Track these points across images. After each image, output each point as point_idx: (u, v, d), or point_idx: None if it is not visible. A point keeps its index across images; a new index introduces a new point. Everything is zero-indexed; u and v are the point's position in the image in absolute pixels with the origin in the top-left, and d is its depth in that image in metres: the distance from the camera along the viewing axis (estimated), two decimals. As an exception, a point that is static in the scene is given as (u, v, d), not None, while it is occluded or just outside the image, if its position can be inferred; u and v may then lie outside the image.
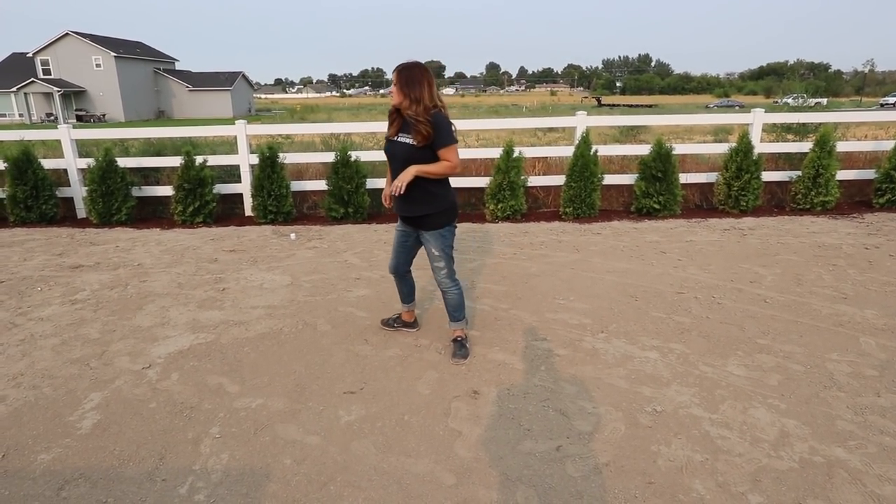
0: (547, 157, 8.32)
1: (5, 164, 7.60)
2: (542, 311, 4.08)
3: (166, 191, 7.92)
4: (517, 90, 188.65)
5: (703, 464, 2.43)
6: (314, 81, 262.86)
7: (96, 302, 4.38)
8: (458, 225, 3.55)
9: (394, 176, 3.12)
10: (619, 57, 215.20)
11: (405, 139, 3.02)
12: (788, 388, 3.01)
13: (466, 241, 6.04)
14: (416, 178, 3.00)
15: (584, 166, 7.25)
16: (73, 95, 47.08)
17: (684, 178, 7.56)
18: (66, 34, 46.67)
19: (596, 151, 7.31)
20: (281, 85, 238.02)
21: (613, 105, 56.09)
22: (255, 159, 7.87)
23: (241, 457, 2.52)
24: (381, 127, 8.87)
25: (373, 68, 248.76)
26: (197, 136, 9.01)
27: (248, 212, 8.08)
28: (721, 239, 5.95)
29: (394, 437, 2.65)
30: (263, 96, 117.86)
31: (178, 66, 57.80)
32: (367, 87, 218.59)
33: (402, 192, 2.99)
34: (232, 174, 8.23)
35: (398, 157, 3.08)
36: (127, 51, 49.87)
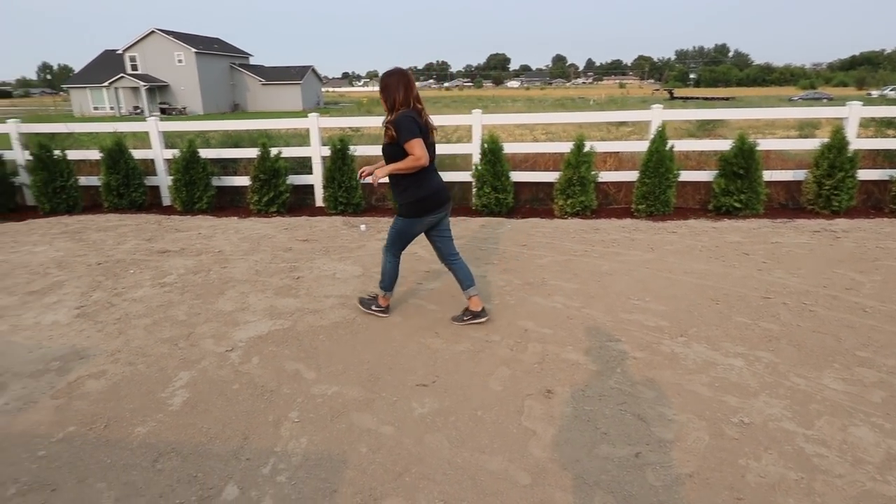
0: (619, 153, 8.07)
1: (101, 154, 8.15)
2: (617, 311, 3.96)
3: (243, 181, 8.26)
4: (584, 83, 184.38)
5: (799, 483, 2.28)
6: (380, 75, 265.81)
7: (182, 286, 4.62)
8: (428, 221, 3.64)
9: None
10: (694, 47, 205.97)
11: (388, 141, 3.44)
12: (895, 406, 2.78)
13: (535, 237, 5.95)
14: (393, 174, 3.45)
15: (658, 162, 6.98)
16: (157, 89, 49.98)
17: (768, 175, 7.13)
18: (152, 32, 49.54)
19: (672, 147, 7.02)
20: (348, 78, 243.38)
21: (687, 98, 53.84)
22: (326, 151, 8.08)
23: (319, 442, 2.59)
24: (451, 120, 8.91)
25: (438, 61, 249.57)
26: (272, 128, 9.32)
27: (319, 202, 8.30)
28: (811, 241, 5.57)
29: (467, 433, 2.65)
30: (331, 89, 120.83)
31: (252, 61, 60.18)
32: (431, 81, 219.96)
33: (370, 182, 3.53)
34: (304, 165, 8.47)
35: (384, 157, 3.55)
36: (206, 47, 52.37)
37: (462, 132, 9.50)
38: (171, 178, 7.99)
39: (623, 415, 2.76)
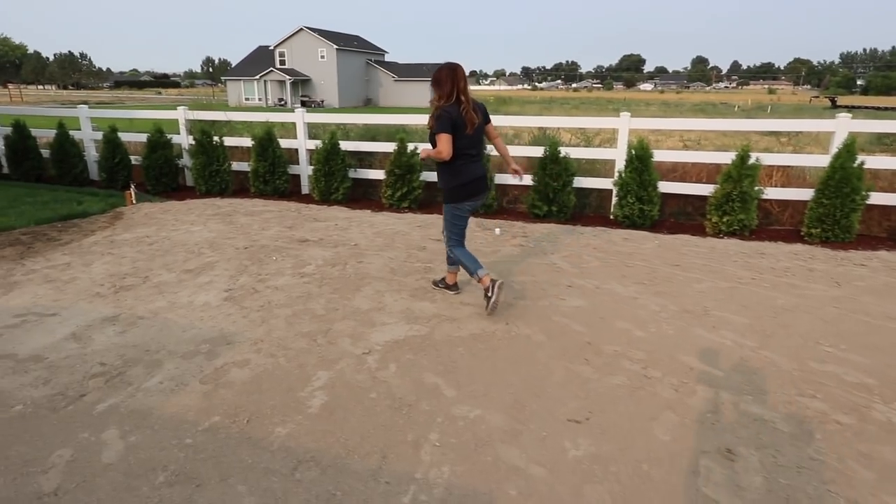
0: (788, 167, 7.09)
1: (252, 142, 8.64)
2: (804, 359, 3.32)
3: (377, 174, 8.35)
4: (726, 87, 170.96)
5: None
6: (507, 74, 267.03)
7: (321, 278, 4.63)
8: (466, 208, 3.97)
9: None
10: (865, 50, 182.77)
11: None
12: None
13: (688, 257, 5.32)
14: (437, 164, 3.83)
15: (843, 180, 6.00)
16: (299, 83, 53.69)
17: None
18: (301, 29, 53.24)
19: (862, 163, 6.00)
20: (475, 77, 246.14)
21: (853, 107, 47.65)
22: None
23: (462, 474, 2.34)
24: (595, 123, 8.36)
25: (567, 62, 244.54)
26: (409, 123, 9.34)
27: (450, 201, 8.18)
28: None
29: (633, 490, 2.26)
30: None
31: (386, 58, 62.65)
32: (559, 81, 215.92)
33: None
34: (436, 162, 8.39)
35: (430, 142, 3.85)
36: (346, 43, 55.33)
37: (605, 136, 8.93)
38: (312, 168, 8.27)
39: (835, 499, 2.21)
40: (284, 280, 4.57)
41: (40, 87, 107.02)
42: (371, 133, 9.31)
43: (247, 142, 9.18)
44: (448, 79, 3.64)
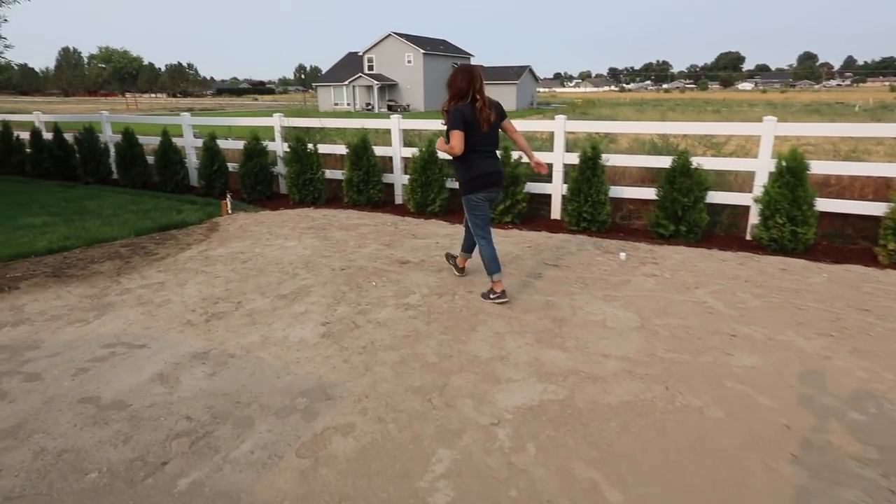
0: None
1: (346, 150, 8.28)
2: None
3: None
4: (839, 85, 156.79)
5: None
6: (592, 75, 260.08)
7: (428, 311, 4.03)
8: (480, 198, 4.14)
9: None
10: None
11: None
12: None
13: (877, 298, 4.24)
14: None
15: None
16: (386, 88, 54.49)
17: None
18: (389, 35, 54.05)
19: None
20: (559, 79, 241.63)
21: None
22: (570, 158, 7.16)
23: None
24: (730, 129, 7.28)
25: (658, 61, 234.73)
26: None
27: (556, 215, 7.42)
28: None
29: None
30: (542, 90, 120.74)
31: (471, 61, 62.40)
32: (648, 82, 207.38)
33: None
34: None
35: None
36: (433, 48, 55.56)
37: (735, 144, 7.81)
38: (408, 177, 7.77)
39: None
40: (387, 313, 4.00)
41: (153, 95, 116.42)
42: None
43: (340, 149, 8.86)
44: (464, 80, 3.89)
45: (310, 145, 8.54)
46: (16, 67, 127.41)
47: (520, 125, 8.08)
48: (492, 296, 4.17)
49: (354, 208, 8.01)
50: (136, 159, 10.14)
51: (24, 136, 11.77)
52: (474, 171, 4.02)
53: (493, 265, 4.13)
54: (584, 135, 8.57)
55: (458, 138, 3.82)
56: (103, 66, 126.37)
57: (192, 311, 4.04)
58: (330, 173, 8.80)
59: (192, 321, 3.86)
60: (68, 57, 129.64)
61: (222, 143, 9.58)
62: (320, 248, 5.62)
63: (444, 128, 3.97)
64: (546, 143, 8.72)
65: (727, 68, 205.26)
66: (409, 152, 8.16)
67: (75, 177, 10.87)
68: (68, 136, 11.28)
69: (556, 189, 7.37)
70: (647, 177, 7.67)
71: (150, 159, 10.12)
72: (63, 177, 11.03)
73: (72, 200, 8.33)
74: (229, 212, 7.51)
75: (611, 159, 6.89)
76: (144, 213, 7.35)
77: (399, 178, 8.49)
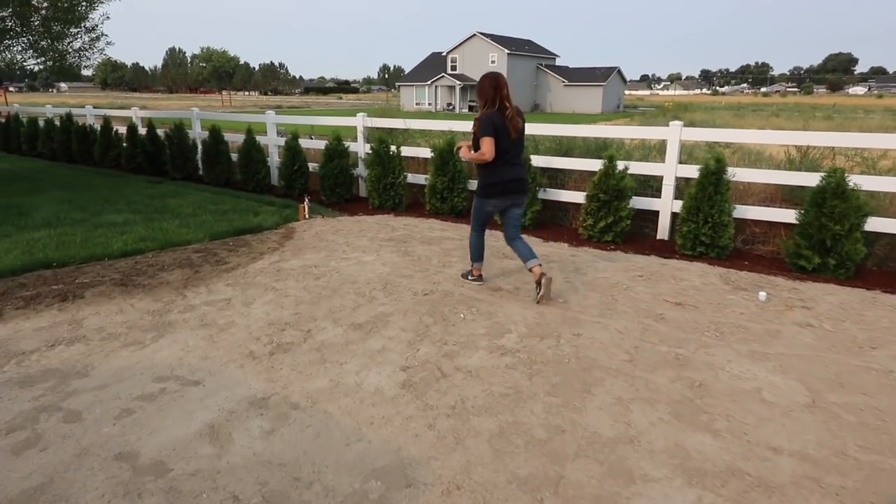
0: None
1: (431, 154, 7.70)
2: None
3: (571, 196, 6.98)
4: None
5: None
6: (682, 78, 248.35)
7: (528, 359, 3.31)
8: (492, 205, 4.27)
9: None
10: None
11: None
12: None
13: None
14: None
15: None
16: (468, 88, 54.02)
17: None
18: (474, 35, 53.56)
19: None
20: (646, 81, 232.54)
21: None
22: (684, 171, 6.22)
23: None
24: (881, 142, 6.04)
25: (756, 63, 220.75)
26: (612, 137, 7.76)
27: (661, 234, 6.49)
28: None
29: None
30: (629, 93, 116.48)
31: (557, 62, 60.73)
32: (744, 85, 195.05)
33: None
34: (646, 185, 6.73)
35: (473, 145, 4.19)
36: (518, 48, 54.52)
37: (892, 159, 6.51)
38: (497, 186, 7.07)
39: None
40: (479, 358, 3.32)
41: (246, 93, 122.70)
42: (564, 147, 7.90)
43: (424, 152, 8.30)
44: (491, 87, 3.95)
45: (392, 147, 8.04)
46: (118, 63, 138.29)
47: (624, 132, 7.24)
48: (470, 277, 4.64)
49: (437, 217, 7.41)
50: (221, 157, 10.07)
51: (123, 130, 12.12)
52: (497, 178, 4.15)
53: (476, 253, 4.57)
54: (705, 144, 7.52)
55: (489, 144, 3.92)
56: (204, 65, 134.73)
57: (256, 338, 3.54)
58: (412, 177, 8.28)
59: (255, 353, 3.35)
60: (174, 56, 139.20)
61: (304, 143, 9.30)
62: (401, 266, 5.03)
63: (472, 134, 4.10)
64: (654, 151, 7.76)
65: (836, 70, 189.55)
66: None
67: (164, 172, 11.01)
68: (161, 132, 11.48)
69: (665, 206, 6.44)
70: (776, 194, 6.56)
71: (235, 156, 10.04)
72: (153, 172, 11.20)
73: (155, 198, 8.27)
74: (306, 216, 7.12)
75: (737, 174, 5.88)
76: (222, 215, 7.09)
77: (485, 186, 7.83)
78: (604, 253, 5.73)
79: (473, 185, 7.77)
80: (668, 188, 6.41)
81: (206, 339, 3.53)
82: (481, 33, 53.18)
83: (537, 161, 7.09)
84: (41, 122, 14.60)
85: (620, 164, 6.34)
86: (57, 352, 3.35)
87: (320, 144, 9.58)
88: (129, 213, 7.18)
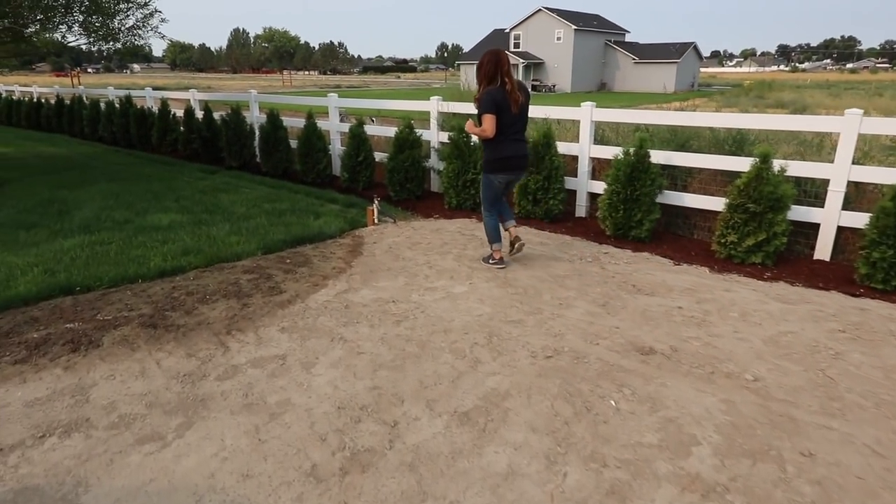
0: None
1: (524, 146, 6.41)
2: None
3: (700, 202, 5.62)
4: None
5: None
6: (757, 54, 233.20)
7: (738, 486, 2.04)
8: (500, 180, 4.35)
9: None
10: None
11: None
12: None
13: None
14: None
15: None
16: (532, 66, 51.74)
17: None
18: (539, 10, 51.04)
19: None
20: (718, 58, 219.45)
21: None
22: (863, 174, 4.76)
23: None
24: None
25: (842, 37, 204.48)
26: (753, 127, 6.19)
27: (821, 254, 5.05)
28: None
29: None
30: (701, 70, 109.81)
31: (626, 38, 57.33)
32: (827, 61, 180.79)
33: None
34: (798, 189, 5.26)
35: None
36: (585, 24, 51.60)
37: None
38: (606, 187, 5.74)
39: None
40: (665, 496, 2.09)
41: (306, 72, 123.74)
42: (680, 139, 6.44)
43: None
44: (491, 63, 4.03)
45: (475, 137, 6.82)
46: (186, 44, 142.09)
47: (791, 122, 5.29)
48: (491, 261, 4.53)
49: (528, 223, 6.16)
50: (280, 144, 9.13)
51: (181, 113, 11.44)
52: (501, 153, 4.22)
53: (493, 234, 4.49)
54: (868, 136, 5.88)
55: (490, 121, 3.99)
56: (266, 45, 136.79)
57: (320, 438, 2.43)
58: (496, 174, 7.07)
59: (319, 468, 2.24)
60: (238, 37, 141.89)
61: (370, 130, 8.20)
62: (504, 303, 3.82)
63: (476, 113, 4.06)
64: (809, 146, 6.19)
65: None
66: (609, 153, 6.13)
67: (221, 160, 10.22)
68: (218, 116, 10.69)
69: (830, 218, 4.97)
70: None
71: (295, 143, 9.10)
72: (209, 159, 10.44)
73: (207, 192, 7.39)
74: (375, 221, 6.01)
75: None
76: (278, 217, 6.08)
77: (585, 185, 6.51)
78: (764, 285, 4.32)
79: (572, 183, 6.48)
80: (835, 196, 4.93)
81: (250, 434, 2.45)
82: (547, 8, 50.61)
83: (658, 157, 5.70)
84: (102, 105, 14.20)
85: (777, 165, 4.88)
86: (45, 450, 2.36)
87: (388, 132, 8.47)
88: (176, 212, 6.29)
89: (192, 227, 5.68)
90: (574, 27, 49.25)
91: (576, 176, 6.55)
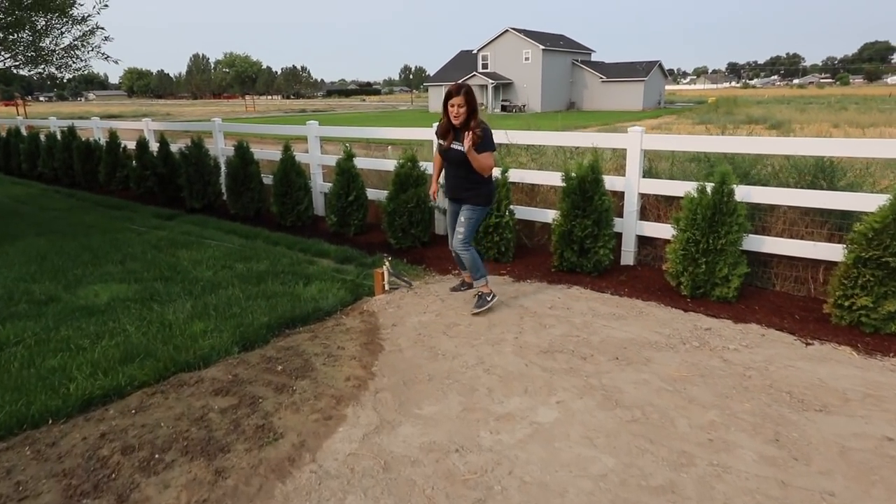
0: None
1: (562, 182, 5.16)
2: None
3: (794, 248, 4.46)
4: None
5: None
6: (709, 71, 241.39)
7: None
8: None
9: (449, 174, 4.22)
10: None
11: (458, 147, 3.92)
12: None
13: None
14: (466, 172, 3.99)
15: None
16: (501, 87, 51.24)
17: None
18: (506, 31, 50.70)
19: None
20: (672, 76, 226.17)
21: None
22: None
23: None
24: None
25: (788, 54, 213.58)
26: (870, 155, 4.87)
27: None
28: None
29: None
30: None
31: (593, 58, 57.58)
32: (775, 77, 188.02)
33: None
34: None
35: (454, 161, 4.03)
36: (552, 44, 51.51)
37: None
38: (678, 234, 4.52)
39: None
40: None
41: (269, 97, 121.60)
42: (739, 169, 5.30)
43: (541, 177, 5.84)
44: (474, 99, 3.90)
45: (495, 172, 5.59)
46: (144, 70, 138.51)
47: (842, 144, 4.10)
48: (490, 298, 4.12)
49: (574, 278, 4.89)
50: (251, 181, 7.69)
51: (133, 145, 9.87)
52: (492, 186, 4.27)
53: (482, 267, 4.20)
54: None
55: (493, 159, 4.05)
56: (227, 70, 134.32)
57: None
58: (524, 211, 5.85)
59: None
60: (198, 63, 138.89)
61: (361, 164, 6.86)
62: (625, 443, 2.48)
63: (471, 145, 3.85)
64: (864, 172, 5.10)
65: (872, 60, 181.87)
66: (663, 188, 4.98)
67: (180, 200, 8.70)
68: (177, 149, 9.18)
69: None
70: None
71: (267, 178, 7.70)
72: (167, 199, 8.91)
73: (163, 247, 5.87)
74: (385, 288, 4.61)
75: None
76: (257, 284, 4.64)
77: (633, 227, 5.30)
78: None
79: (617, 225, 5.27)
80: None
81: None
82: (514, 29, 50.40)
83: (743, 193, 4.51)
84: (42, 137, 12.48)
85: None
86: None
87: (380, 164, 7.16)
88: (120, 281, 4.78)
89: (139, 306, 4.18)
90: (542, 47, 49.07)
91: (621, 216, 5.34)
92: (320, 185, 7.72)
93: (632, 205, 5.28)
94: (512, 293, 4.48)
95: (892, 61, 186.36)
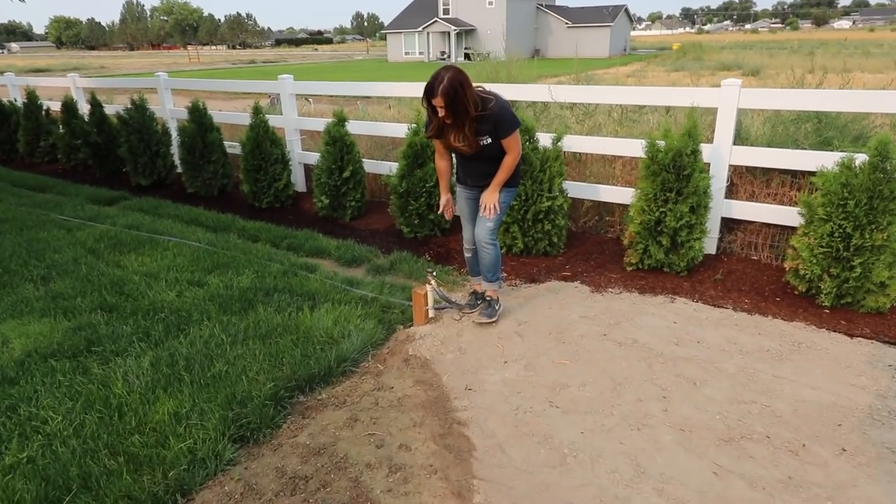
0: None
1: (644, 156, 3.90)
2: None
3: None
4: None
5: None
6: (664, 17, 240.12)
7: None
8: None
9: (467, 166, 3.27)
10: None
11: (481, 140, 3.07)
12: None
13: None
14: (492, 162, 3.14)
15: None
16: (464, 34, 48.71)
17: None
18: (467, -28, 47.83)
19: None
20: (630, 20, 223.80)
21: None
22: None
23: None
24: None
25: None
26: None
27: None
28: None
29: None
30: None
31: (557, 2, 55.26)
32: (727, 22, 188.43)
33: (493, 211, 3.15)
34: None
35: (478, 156, 3.15)
36: (517, -13, 49.01)
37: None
38: (804, 225, 3.37)
39: None
40: None
41: (213, 47, 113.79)
42: (824, 130, 4.21)
43: (612, 145, 4.58)
44: (464, 93, 2.92)
45: (543, 137, 4.33)
46: (72, 19, 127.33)
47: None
48: (498, 307, 3.37)
49: (657, 281, 3.72)
50: (211, 152, 6.14)
51: (58, 107, 8.03)
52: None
53: (499, 272, 3.45)
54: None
55: (518, 139, 3.20)
56: (165, 18, 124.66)
57: None
58: (577, 189, 4.63)
59: None
60: (132, 10, 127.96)
61: (354, 128, 5.44)
62: None
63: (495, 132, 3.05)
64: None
65: (820, 5, 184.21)
66: (762, 159, 3.82)
67: (123, 177, 7.09)
68: (114, 111, 7.47)
69: None
70: None
71: (231, 146, 6.22)
72: (106, 175, 7.29)
73: (103, 254, 4.35)
74: (429, 314, 3.30)
75: None
76: (242, 310, 3.27)
77: (720, 209, 4.17)
78: None
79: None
80: None
81: None
82: (476, -29, 47.53)
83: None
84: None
85: None
86: None
87: (377, 128, 5.76)
88: (41, 314, 3.32)
89: (71, 366, 2.76)
90: (506, -9, 46.58)
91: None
92: (299, 153, 6.26)
93: (721, 180, 4.10)
94: (604, 314, 3.24)
95: (838, 6, 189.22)
